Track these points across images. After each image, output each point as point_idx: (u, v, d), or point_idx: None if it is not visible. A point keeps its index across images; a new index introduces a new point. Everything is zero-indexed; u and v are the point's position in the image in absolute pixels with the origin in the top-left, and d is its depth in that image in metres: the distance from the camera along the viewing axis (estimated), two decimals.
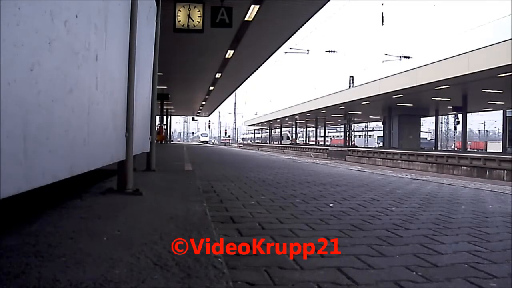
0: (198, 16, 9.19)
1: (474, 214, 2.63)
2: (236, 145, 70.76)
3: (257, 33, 13.03)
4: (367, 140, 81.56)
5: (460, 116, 34.96)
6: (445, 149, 53.88)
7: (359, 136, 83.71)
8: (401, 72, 27.03)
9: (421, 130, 43.54)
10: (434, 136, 44.29)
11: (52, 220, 1.85)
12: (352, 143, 52.83)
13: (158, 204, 2.48)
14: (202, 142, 76.41)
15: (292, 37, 14.14)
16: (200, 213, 2.18)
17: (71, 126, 1.66)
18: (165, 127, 33.02)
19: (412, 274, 1.39)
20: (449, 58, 22.36)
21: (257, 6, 10.45)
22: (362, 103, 33.89)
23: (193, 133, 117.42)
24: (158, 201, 2.62)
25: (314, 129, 66.23)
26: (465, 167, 17.70)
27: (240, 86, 27.80)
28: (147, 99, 4.21)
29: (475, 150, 47.00)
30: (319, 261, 1.51)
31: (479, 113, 50.96)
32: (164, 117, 34.05)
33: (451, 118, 64.06)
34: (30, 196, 1.64)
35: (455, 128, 60.68)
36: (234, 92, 36.06)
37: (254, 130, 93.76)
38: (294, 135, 67.51)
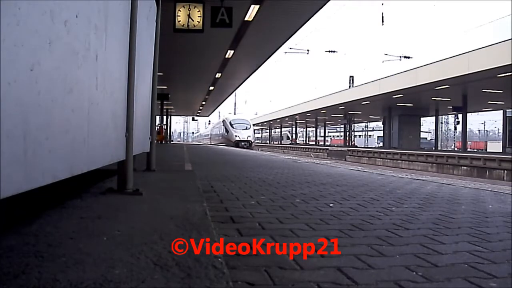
0: (198, 16, 9.20)
1: (474, 214, 2.63)
2: None
3: (257, 33, 13.03)
4: (367, 140, 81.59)
5: (460, 116, 34.96)
6: (445, 149, 53.88)
7: (359, 136, 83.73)
8: (401, 72, 27.04)
9: (421, 130, 43.56)
10: (434, 136, 44.30)
11: (52, 220, 1.85)
12: (352, 143, 52.85)
13: (158, 204, 2.48)
14: (238, 143, 34.11)
15: (292, 37, 14.16)
16: (200, 213, 2.18)
17: (71, 126, 1.66)
18: (165, 127, 32.99)
19: (412, 274, 1.39)
20: (449, 58, 22.37)
21: (257, 6, 10.46)
22: (362, 103, 33.89)
23: (193, 132, 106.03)
24: (158, 201, 2.62)
25: (314, 129, 66.25)
26: (465, 167, 17.70)
27: (240, 86, 27.81)
28: (147, 99, 4.21)
29: (475, 150, 47.02)
30: (319, 261, 1.51)
31: (479, 113, 50.98)
32: (164, 117, 34.02)
33: (451, 118, 64.01)
34: (30, 196, 1.64)
35: (455, 128, 60.65)
36: (234, 92, 36.01)
37: (254, 130, 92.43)
38: (294, 135, 67.44)
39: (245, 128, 37.62)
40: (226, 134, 38.30)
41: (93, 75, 1.96)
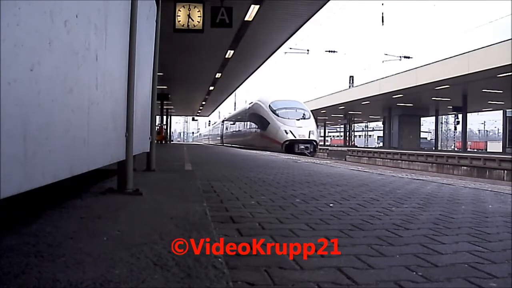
0: (198, 16, 9.21)
1: (474, 214, 2.63)
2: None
3: (257, 33, 13.04)
4: (367, 140, 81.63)
5: (460, 116, 34.98)
6: (445, 149, 53.89)
7: (359, 136, 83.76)
8: (401, 72, 27.07)
9: (421, 130, 43.62)
10: (434, 136, 44.33)
11: (52, 220, 1.85)
12: (352, 143, 52.87)
13: (158, 204, 2.48)
14: (292, 146, 17.75)
15: (292, 37, 14.17)
16: (200, 213, 2.18)
17: (71, 126, 1.66)
18: (165, 127, 33.01)
19: (412, 274, 1.39)
20: (449, 58, 22.40)
21: (257, 6, 10.46)
22: (362, 103, 33.92)
23: (193, 132, 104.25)
24: (158, 201, 2.62)
25: None
26: (465, 167, 17.72)
27: (240, 86, 27.82)
28: (147, 99, 4.21)
29: (475, 150, 47.05)
30: (319, 261, 1.51)
31: (479, 113, 51.03)
32: (164, 117, 34.04)
33: (451, 118, 64.03)
34: (30, 196, 1.64)
35: (455, 128, 60.67)
36: (234, 92, 36.07)
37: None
38: None
39: (301, 117, 19.85)
40: (261, 129, 20.88)
41: (93, 75, 1.96)
